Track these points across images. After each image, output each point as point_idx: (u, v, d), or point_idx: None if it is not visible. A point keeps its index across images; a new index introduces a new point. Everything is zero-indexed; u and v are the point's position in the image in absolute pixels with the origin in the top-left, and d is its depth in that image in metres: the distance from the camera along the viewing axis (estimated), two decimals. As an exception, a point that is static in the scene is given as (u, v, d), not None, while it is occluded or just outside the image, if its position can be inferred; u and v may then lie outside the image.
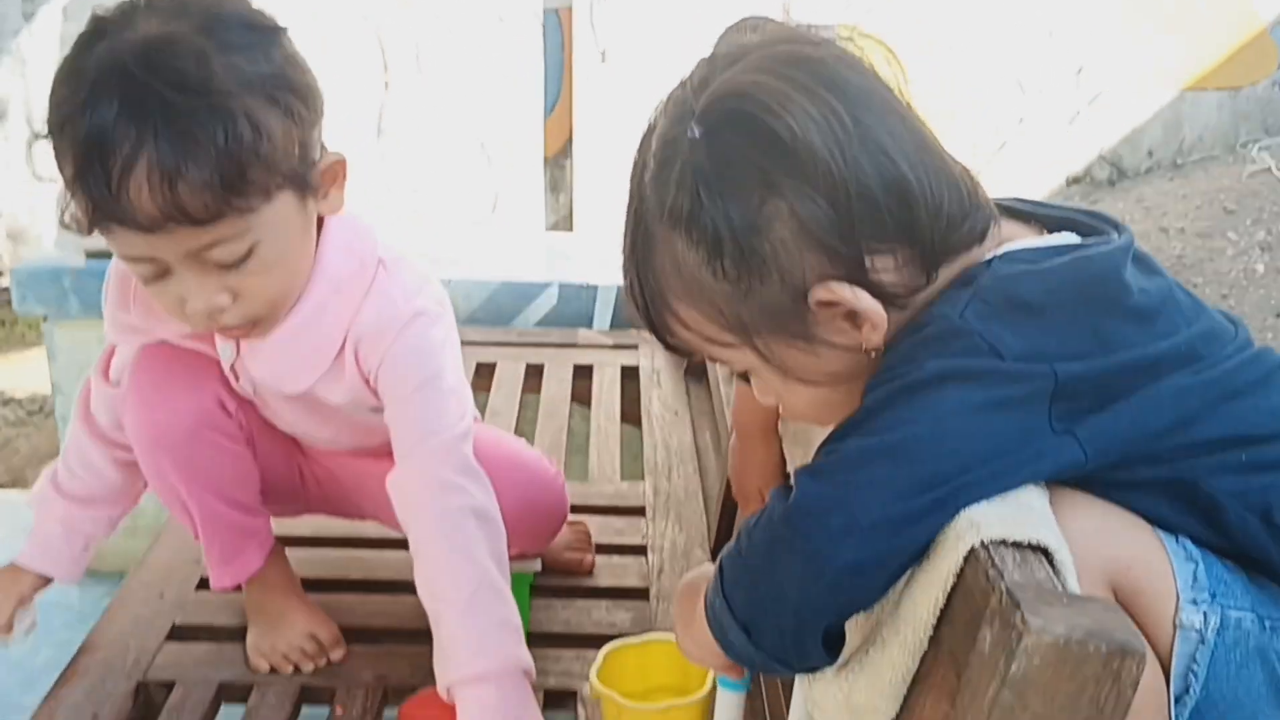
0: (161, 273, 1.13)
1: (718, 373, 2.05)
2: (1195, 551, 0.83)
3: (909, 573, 0.79)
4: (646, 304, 0.90)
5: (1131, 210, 3.60)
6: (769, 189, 0.81)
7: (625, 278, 0.91)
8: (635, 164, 0.89)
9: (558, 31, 3.88)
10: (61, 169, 1.08)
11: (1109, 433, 0.79)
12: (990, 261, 0.85)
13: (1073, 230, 0.91)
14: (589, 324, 2.65)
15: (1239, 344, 0.88)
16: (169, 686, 1.42)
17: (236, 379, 1.36)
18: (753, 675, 1.07)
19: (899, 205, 0.82)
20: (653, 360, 2.43)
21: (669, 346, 0.93)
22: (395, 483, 1.30)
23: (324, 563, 1.66)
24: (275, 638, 1.45)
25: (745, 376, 0.95)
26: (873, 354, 0.86)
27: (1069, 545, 0.74)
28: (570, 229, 3.76)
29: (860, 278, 0.82)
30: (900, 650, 0.79)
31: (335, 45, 3.72)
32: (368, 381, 1.30)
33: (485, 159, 3.87)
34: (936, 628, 0.77)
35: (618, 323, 2.67)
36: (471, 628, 1.22)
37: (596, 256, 2.91)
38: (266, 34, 1.12)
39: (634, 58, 3.79)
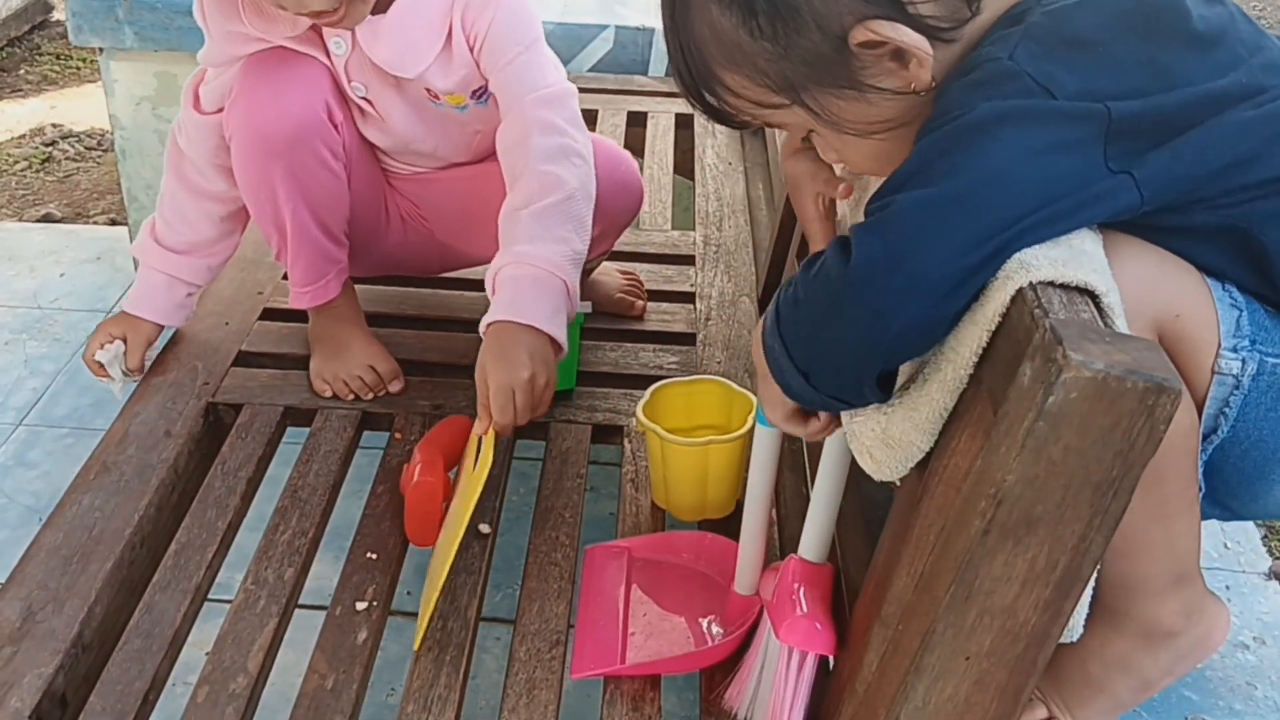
0: None
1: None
2: (1241, 299, 0.84)
3: None
4: (694, 77, 0.89)
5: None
6: None
7: (669, 52, 0.91)
8: None
9: None
10: None
11: (1167, 172, 0.78)
12: None
13: None
14: (644, 70, 2.61)
15: None
16: (237, 408, 1.50)
17: (349, 80, 1.38)
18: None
19: None
20: (707, 110, 2.39)
21: (722, 118, 0.92)
22: (502, 130, 1.37)
23: (386, 298, 1.71)
24: (338, 365, 1.51)
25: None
26: (924, 94, 0.85)
27: (1120, 291, 0.75)
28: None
29: (899, 13, 0.81)
30: (939, 387, 0.82)
31: None
32: (473, 53, 1.35)
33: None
34: (978, 366, 0.79)
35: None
36: (534, 231, 1.29)
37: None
38: None
39: None
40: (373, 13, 1.31)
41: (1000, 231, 0.75)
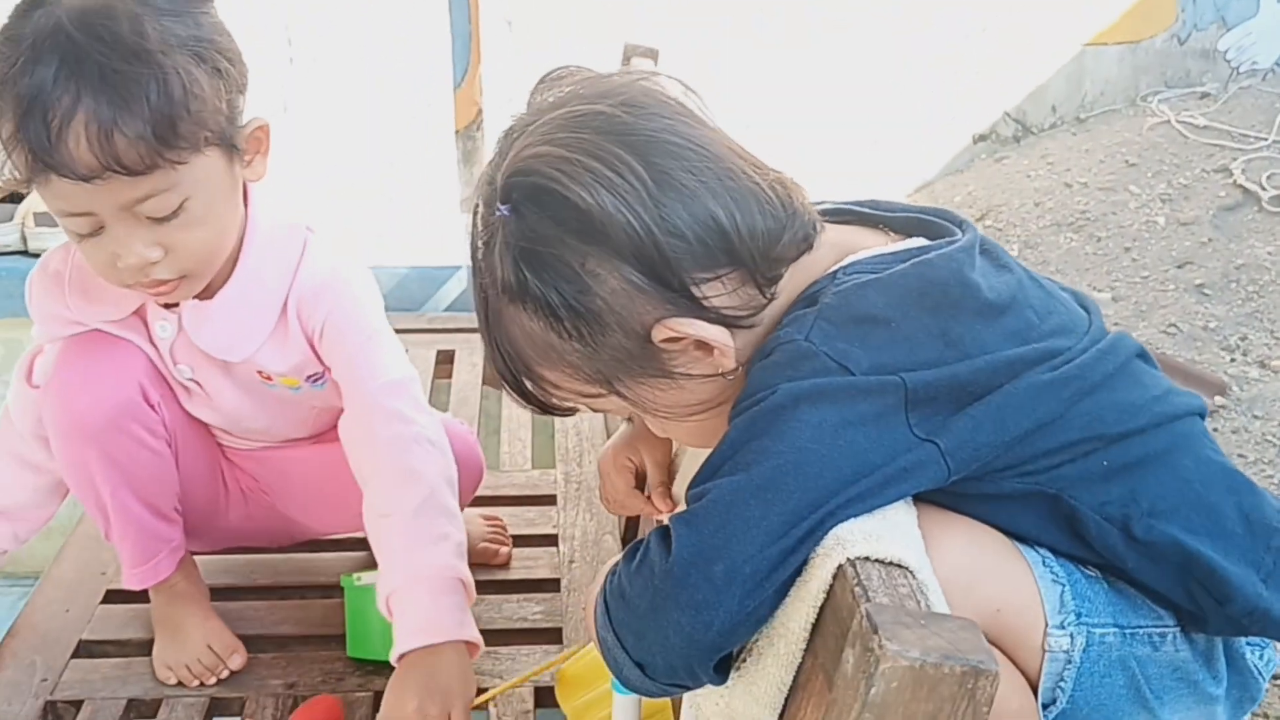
0: (95, 228, 1.16)
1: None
2: (1061, 572, 0.86)
3: None
4: (513, 372, 0.91)
5: (1036, 166, 3.64)
6: (582, 254, 0.82)
7: (486, 349, 0.93)
8: (470, 239, 0.91)
9: (464, 2, 3.83)
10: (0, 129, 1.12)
11: (970, 439, 0.80)
12: (835, 274, 0.87)
13: (921, 233, 0.92)
14: (500, 305, 2.64)
15: (1093, 335, 0.89)
16: (77, 705, 1.42)
17: (175, 362, 1.36)
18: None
19: (711, 236, 0.83)
20: (564, 341, 2.42)
21: (545, 407, 0.94)
22: (345, 422, 1.35)
23: (234, 568, 1.65)
24: (178, 649, 1.45)
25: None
26: (732, 377, 0.87)
27: (941, 582, 0.76)
28: (483, 204, 3.74)
29: (695, 309, 0.84)
30: (775, 663, 0.81)
31: (239, 21, 3.63)
32: (311, 343, 1.34)
33: (394, 133, 3.82)
34: (812, 638, 0.79)
35: (530, 303, 2.65)
36: (413, 538, 1.27)
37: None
38: (194, 2, 1.18)
39: (540, 25, 3.75)
40: (198, 298, 1.30)
41: (810, 512, 0.77)
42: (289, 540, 1.65)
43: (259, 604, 1.58)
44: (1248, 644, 0.94)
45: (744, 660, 0.85)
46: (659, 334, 0.84)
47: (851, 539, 0.76)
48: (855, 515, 0.78)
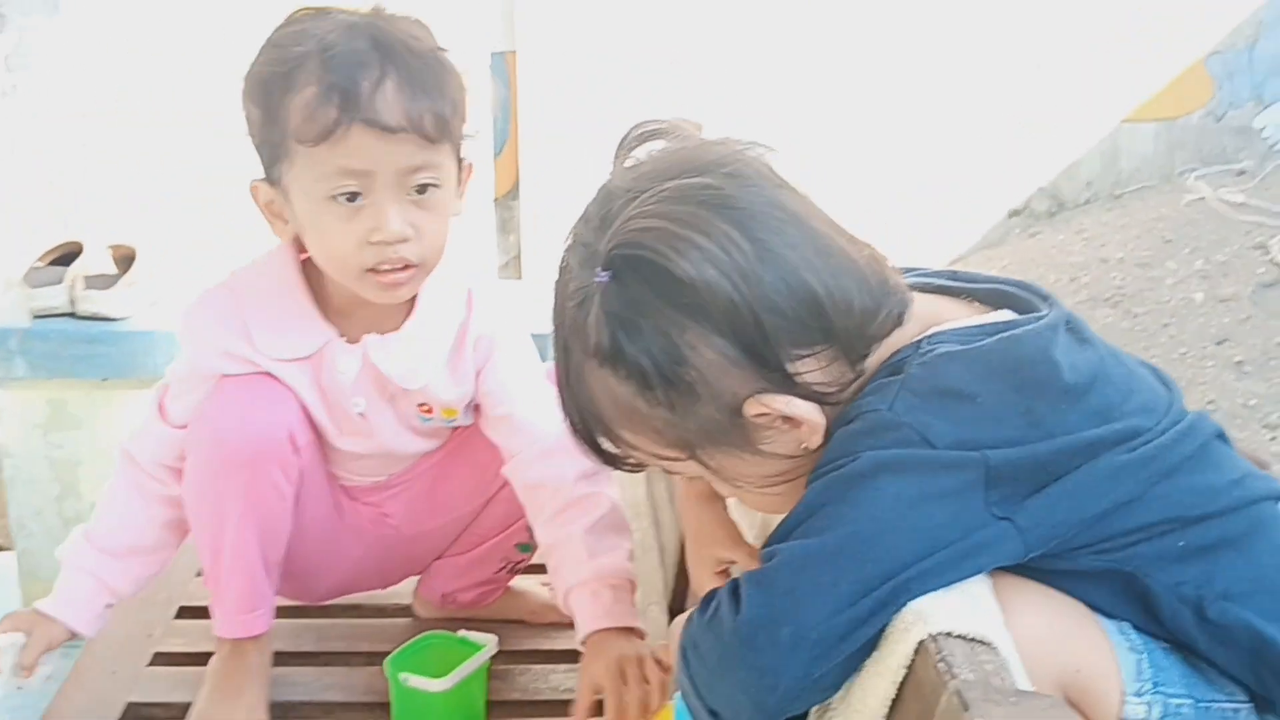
0: (359, 193, 1.26)
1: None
2: (1139, 641, 0.85)
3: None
4: (589, 431, 0.92)
5: (1071, 241, 3.65)
6: (681, 325, 0.83)
7: (563, 408, 0.94)
8: (556, 298, 0.92)
9: (504, 70, 3.89)
10: (290, 94, 1.24)
11: (1047, 519, 0.80)
12: (919, 344, 0.87)
13: (1006, 305, 0.92)
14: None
15: (1173, 416, 0.89)
16: (125, 770, 1.41)
17: (353, 395, 1.41)
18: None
19: (809, 313, 0.84)
20: (605, 409, 2.43)
21: (616, 463, 0.95)
22: (524, 461, 1.45)
23: (280, 633, 1.63)
24: (225, 711, 1.44)
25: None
26: (816, 452, 0.87)
27: (1019, 647, 0.75)
28: (519, 274, 3.76)
29: (788, 385, 0.85)
30: (852, 738, 0.80)
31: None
32: (479, 376, 1.44)
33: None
34: (890, 715, 0.79)
35: (570, 370, 2.66)
36: (594, 546, 1.41)
37: (545, 306, 2.91)
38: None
39: (581, 97, 3.80)
40: (379, 332, 1.38)
41: (883, 582, 0.77)
42: (405, 573, 1.68)
43: (305, 669, 1.57)
44: None
45: (819, 736, 0.84)
46: (751, 409, 0.85)
47: (933, 613, 0.75)
48: (929, 589, 0.78)
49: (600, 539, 1.41)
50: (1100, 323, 3.28)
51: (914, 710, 0.74)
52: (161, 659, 1.60)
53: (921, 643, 0.75)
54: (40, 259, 2.66)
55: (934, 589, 0.78)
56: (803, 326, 0.84)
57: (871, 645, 0.79)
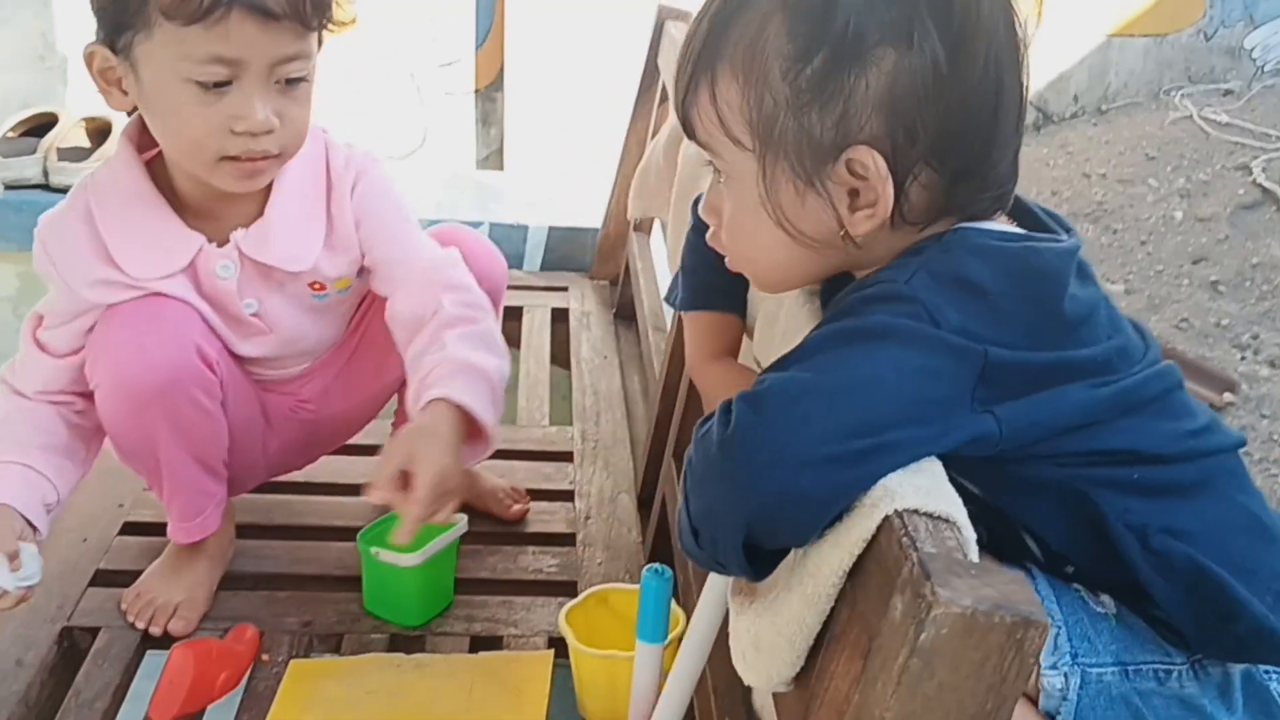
0: (226, 80, 1.18)
1: (647, 320, 2.07)
2: (1057, 614, 0.87)
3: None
4: (697, 57, 0.86)
5: (1055, 155, 3.64)
6: (899, 35, 0.80)
7: (696, 23, 0.87)
8: None
9: (490, -38, 3.81)
10: None
11: (1024, 418, 0.82)
12: (941, 235, 0.87)
13: (1028, 223, 0.92)
14: (520, 265, 2.65)
15: (1147, 361, 0.91)
16: (94, 632, 1.42)
17: (242, 298, 1.36)
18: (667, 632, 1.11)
19: (976, 144, 0.83)
20: (583, 303, 2.43)
21: (684, 119, 0.90)
22: (402, 301, 1.38)
23: (255, 507, 1.65)
24: (157, 589, 1.45)
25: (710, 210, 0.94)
26: (844, 238, 0.86)
27: None
28: (500, 166, 3.72)
29: (899, 171, 0.82)
30: (801, 602, 0.82)
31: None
32: (357, 229, 1.38)
33: (415, 91, 3.81)
34: (851, 589, 0.80)
35: (549, 264, 2.67)
36: (459, 348, 1.30)
37: (527, 196, 2.90)
38: None
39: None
40: (243, 226, 1.32)
41: (868, 434, 0.77)
42: (329, 447, 1.65)
43: (277, 544, 1.59)
44: (1267, 672, 0.95)
45: (776, 594, 0.86)
46: (858, 153, 0.82)
47: (901, 491, 0.76)
48: (907, 458, 0.78)
49: (470, 349, 1.30)
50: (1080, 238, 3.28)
51: (876, 582, 0.75)
52: (131, 528, 1.61)
53: (887, 518, 0.75)
54: (13, 130, 2.62)
55: (909, 461, 0.78)
56: (961, 153, 0.82)
57: (838, 511, 0.79)
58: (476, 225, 2.56)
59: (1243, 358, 2.90)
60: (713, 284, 1.15)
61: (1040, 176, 3.54)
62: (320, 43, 1.26)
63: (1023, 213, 0.93)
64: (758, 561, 0.84)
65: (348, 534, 1.50)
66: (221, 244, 1.33)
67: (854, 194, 0.84)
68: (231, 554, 1.53)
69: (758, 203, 0.87)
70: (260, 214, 1.33)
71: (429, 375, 1.28)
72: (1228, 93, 3.84)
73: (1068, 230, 0.91)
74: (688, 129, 0.91)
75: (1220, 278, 3.14)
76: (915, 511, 0.75)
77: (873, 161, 0.82)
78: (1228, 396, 2.70)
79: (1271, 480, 2.43)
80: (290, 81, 1.22)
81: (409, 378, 1.35)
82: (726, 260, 0.97)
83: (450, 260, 1.42)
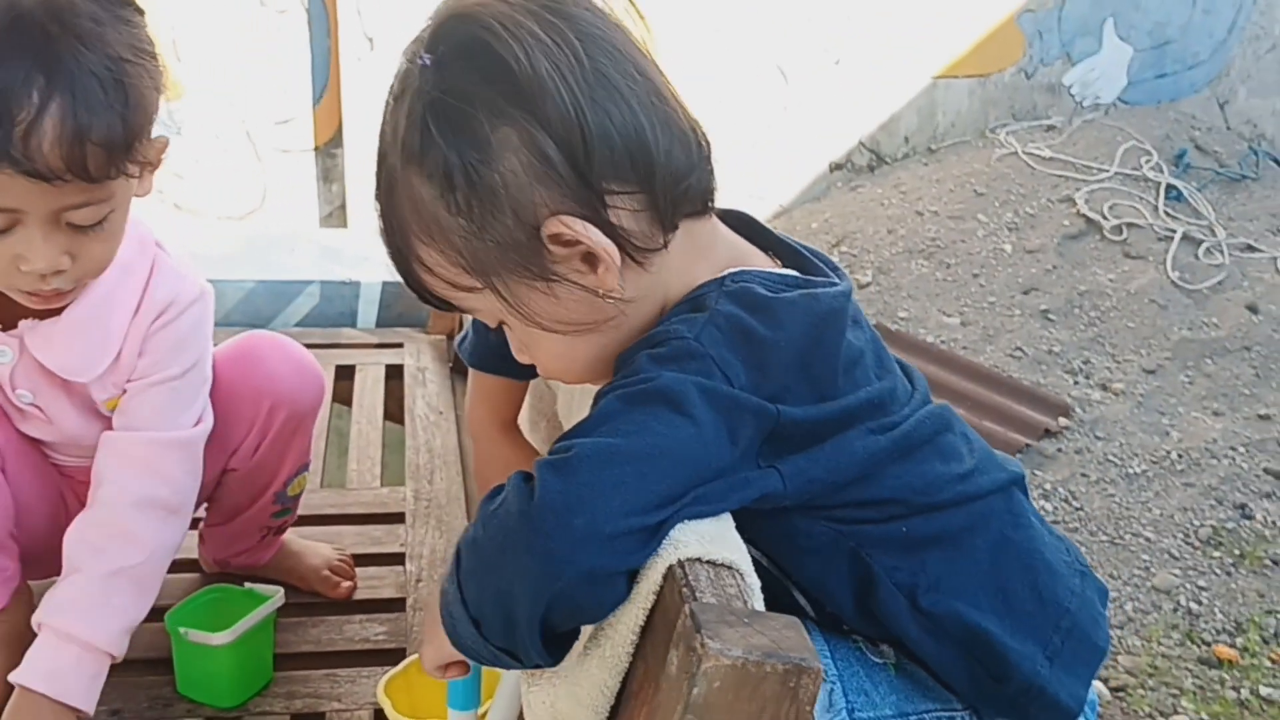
0: (8, 226, 1.09)
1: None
2: (834, 669, 0.87)
3: None
4: (395, 247, 0.87)
5: (890, 195, 3.73)
6: (497, 118, 0.79)
7: (379, 221, 0.88)
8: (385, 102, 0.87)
9: (324, 18, 3.77)
10: None
11: (805, 472, 0.82)
12: (723, 281, 0.86)
13: (798, 266, 0.93)
14: (353, 322, 2.59)
15: (915, 403, 0.92)
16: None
17: (14, 388, 1.27)
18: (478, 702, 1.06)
19: (634, 147, 0.81)
20: (418, 359, 2.39)
21: (420, 295, 0.90)
22: (111, 450, 1.29)
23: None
24: None
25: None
26: (612, 301, 0.85)
27: None
28: (344, 223, 3.67)
29: (593, 215, 0.82)
30: (599, 665, 0.80)
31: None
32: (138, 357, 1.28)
33: (253, 150, 3.73)
34: (644, 644, 0.78)
35: (385, 320, 2.62)
36: (101, 595, 1.24)
37: (366, 251, 2.85)
38: (131, 7, 1.12)
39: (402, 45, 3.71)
40: (38, 317, 1.23)
41: (671, 502, 0.76)
42: None
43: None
44: None
45: (573, 660, 0.83)
46: (550, 228, 0.81)
47: (685, 540, 0.75)
48: (704, 515, 0.77)
49: (108, 592, 1.24)
50: (915, 273, 3.36)
51: (661, 635, 0.73)
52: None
53: (670, 567, 0.74)
54: None
55: (705, 515, 0.77)
56: (626, 159, 0.81)
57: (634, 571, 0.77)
58: (308, 284, 2.50)
59: (1075, 382, 3.00)
60: (500, 349, 1.10)
61: (876, 215, 3.62)
62: (142, 162, 1.14)
63: (790, 254, 0.93)
64: (553, 645, 0.81)
65: (156, 614, 1.43)
66: (8, 327, 1.25)
67: (585, 258, 0.84)
68: (31, 642, 1.43)
69: (524, 323, 0.88)
70: (58, 312, 1.24)
71: (44, 638, 1.24)
72: (1050, 128, 4.00)
73: (835, 271, 0.92)
74: (425, 298, 0.92)
75: (1050, 306, 3.24)
76: (698, 560, 0.74)
77: (566, 226, 0.82)
78: (1062, 421, 2.78)
79: (1109, 500, 2.50)
80: (88, 226, 1.12)
81: (65, 547, 1.27)
82: (540, 373, 0.97)
83: (180, 446, 1.32)
